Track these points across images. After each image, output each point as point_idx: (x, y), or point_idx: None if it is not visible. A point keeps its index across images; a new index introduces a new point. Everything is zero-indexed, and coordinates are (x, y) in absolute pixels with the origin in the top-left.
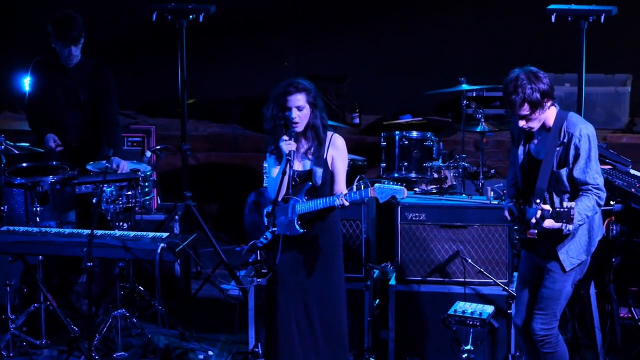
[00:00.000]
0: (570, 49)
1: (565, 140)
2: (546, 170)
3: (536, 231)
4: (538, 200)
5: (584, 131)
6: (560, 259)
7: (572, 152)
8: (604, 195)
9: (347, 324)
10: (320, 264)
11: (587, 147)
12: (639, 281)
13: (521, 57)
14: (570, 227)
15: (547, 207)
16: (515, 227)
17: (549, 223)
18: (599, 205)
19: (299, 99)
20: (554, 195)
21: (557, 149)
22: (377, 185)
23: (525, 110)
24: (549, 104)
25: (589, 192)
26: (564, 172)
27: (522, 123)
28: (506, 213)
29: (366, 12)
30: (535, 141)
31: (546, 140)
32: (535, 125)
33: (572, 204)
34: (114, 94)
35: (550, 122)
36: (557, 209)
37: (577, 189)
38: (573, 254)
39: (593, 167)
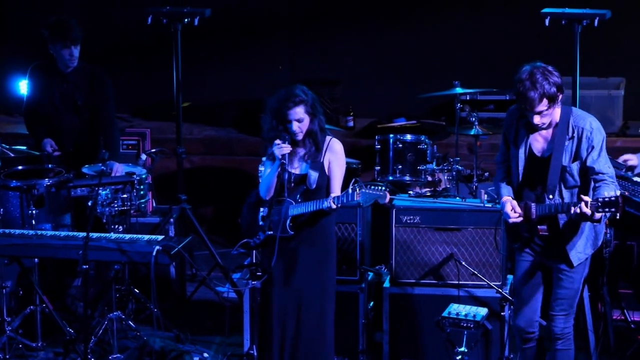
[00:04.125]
0: (564, 53)
1: (575, 135)
2: (556, 167)
3: (546, 227)
4: (551, 196)
5: (594, 124)
6: (570, 255)
7: (584, 145)
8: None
9: (333, 325)
10: (315, 266)
11: (600, 139)
12: (631, 284)
13: (515, 60)
14: (599, 216)
15: (587, 198)
16: (514, 226)
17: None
18: None
19: (298, 112)
20: (564, 190)
21: (566, 143)
22: (361, 190)
23: (544, 105)
24: (561, 97)
25: (605, 181)
26: (575, 166)
27: (537, 119)
28: (508, 210)
29: (360, 16)
30: (539, 139)
31: (554, 137)
32: (547, 120)
33: (618, 192)
34: (111, 97)
35: (557, 117)
36: (604, 198)
37: (587, 182)
38: (581, 249)
39: (605, 157)
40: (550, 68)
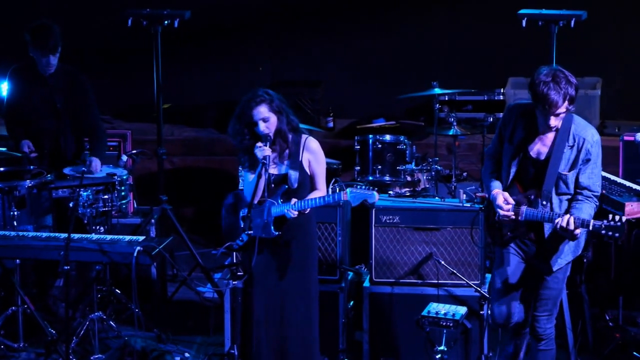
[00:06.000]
0: (541, 53)
1: (575, 144)
2: (553, 172)
3: (532, 233)
4: (545, 202)
5: (595, 137)
6: (550, 261)
7: (582, 156)
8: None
9: (318, 325)
10: (295, 266)
11: (597, 154)
12: (609, 282)
13: (492, 61)
14: (577, 234)
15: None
16: (497, 222)
17: (578, 231)
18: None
19: (261, 111)
20: (554, 196)
21: (565, 151)
22: (349, 189)
23: (565, 107)
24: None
25: (590, 199)
26: (571, 174)
27: (553, 122)
28: (500, 202)
29: (340, 18)
30: (537, 141)
31: (554, 142)
32: (559, 123)
33: (624, 218)
34: (93, 100)
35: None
36: (610, 222)
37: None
38: (562, 255)
39: (598, 175)
40: (566, 71)
